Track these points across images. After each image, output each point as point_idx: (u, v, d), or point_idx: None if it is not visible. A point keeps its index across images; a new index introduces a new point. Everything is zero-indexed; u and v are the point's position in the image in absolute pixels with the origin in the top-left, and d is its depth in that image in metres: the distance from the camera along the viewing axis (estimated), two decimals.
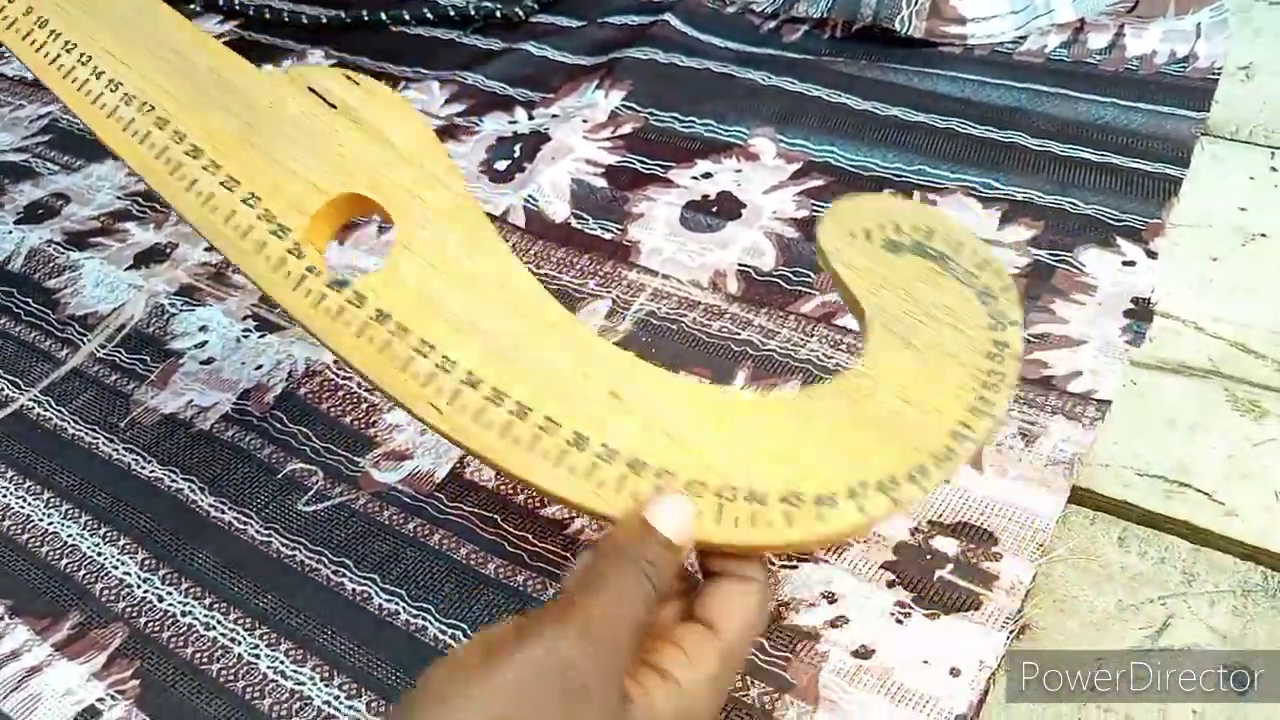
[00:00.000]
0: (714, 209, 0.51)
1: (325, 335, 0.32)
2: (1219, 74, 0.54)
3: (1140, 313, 0.42)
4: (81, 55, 0.37)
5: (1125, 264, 0.45)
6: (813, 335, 0.44)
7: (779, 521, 0.28)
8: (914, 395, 0.29)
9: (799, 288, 0.47)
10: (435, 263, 0.32)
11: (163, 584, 0.39)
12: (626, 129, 0.58)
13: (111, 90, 0.36)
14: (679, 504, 0.28)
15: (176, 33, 0.37)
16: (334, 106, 0.35)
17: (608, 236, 0.51)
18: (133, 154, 0.36)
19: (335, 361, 0.39)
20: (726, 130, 0.56)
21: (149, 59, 0.36)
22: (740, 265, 0.48)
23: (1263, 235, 0.45)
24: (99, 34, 0.37)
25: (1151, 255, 0.45)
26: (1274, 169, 0.49)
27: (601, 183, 0.54)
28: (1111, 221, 0.47)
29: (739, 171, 0.53)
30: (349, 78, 0.36)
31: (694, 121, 0.57)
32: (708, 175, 0.53)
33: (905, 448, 0.28)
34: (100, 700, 0.36)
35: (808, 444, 0.29)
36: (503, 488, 0.41)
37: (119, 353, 0.50)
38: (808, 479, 0.28)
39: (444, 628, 0.36)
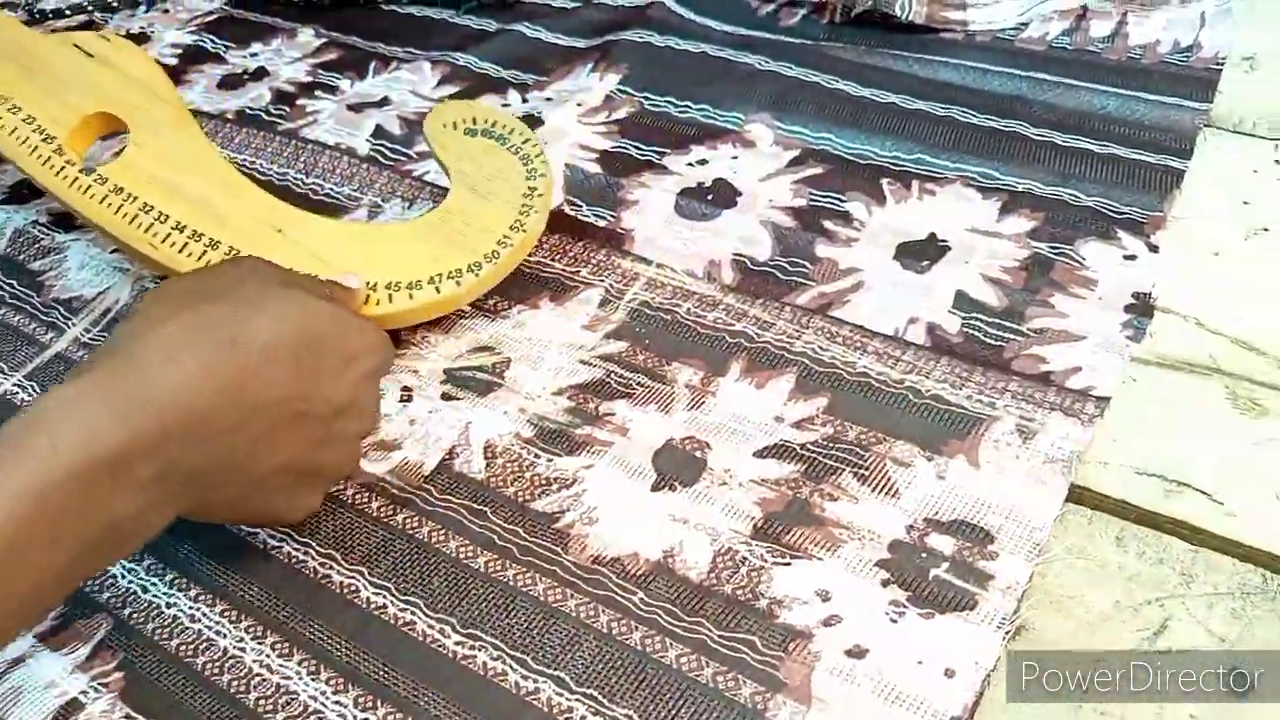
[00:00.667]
0: (709, 196, 0.51)
1: (77, 205, 0.46)
2: (1223, 64, 0.53)
3: (1141, 308, 0.42)
4: None
5: (1126, 258, 0.44)
6: (808, 327, 0.44)
7: (385, 300, 0.43)
8: (474, 222, 0.45)
9: (795, 278, 0.46)
10: (155, 152, 0.47)
11: (147, 574, 0.39)
12: (621, 113, 0.57)
13: None
14: (352, 277, 0.42)
15: None
16: (92, 55, 0.50)
17: (601, 224, 0.50)
18: None
19: None
20: (723, 116, 0.55)
21: None
22: (735, 255, 0.48)
23: (1265, 229, 0.45)
24: None
25: (1153, 249, 0.44)
26: (1278, 162, 0.48)
27: (596, 168, 0.53)
28: (1113, 214, 0.46)
29: (735, 159, 0.53)
30: (103, 36, 0.51)
31: (689, 106, 0.56)
32: (703, 162, 0.53)
33: (467, 252, 0.44)
34: (84, 693, 0.35)
35: (407, 256, 0.44)
36: (493, 479, 0.40)
37: (104, 337, 0.50)
38: (404, 274, 0.43)
39: (432, 621, 0.36)
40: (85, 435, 0.30)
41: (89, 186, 0.46)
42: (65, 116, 0.48)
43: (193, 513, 0.34)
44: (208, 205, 0.45)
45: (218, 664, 0.36)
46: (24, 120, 0.48)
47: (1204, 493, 0.36)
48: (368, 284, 0.43)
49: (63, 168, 0.47)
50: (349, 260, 0.44)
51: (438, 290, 0.44)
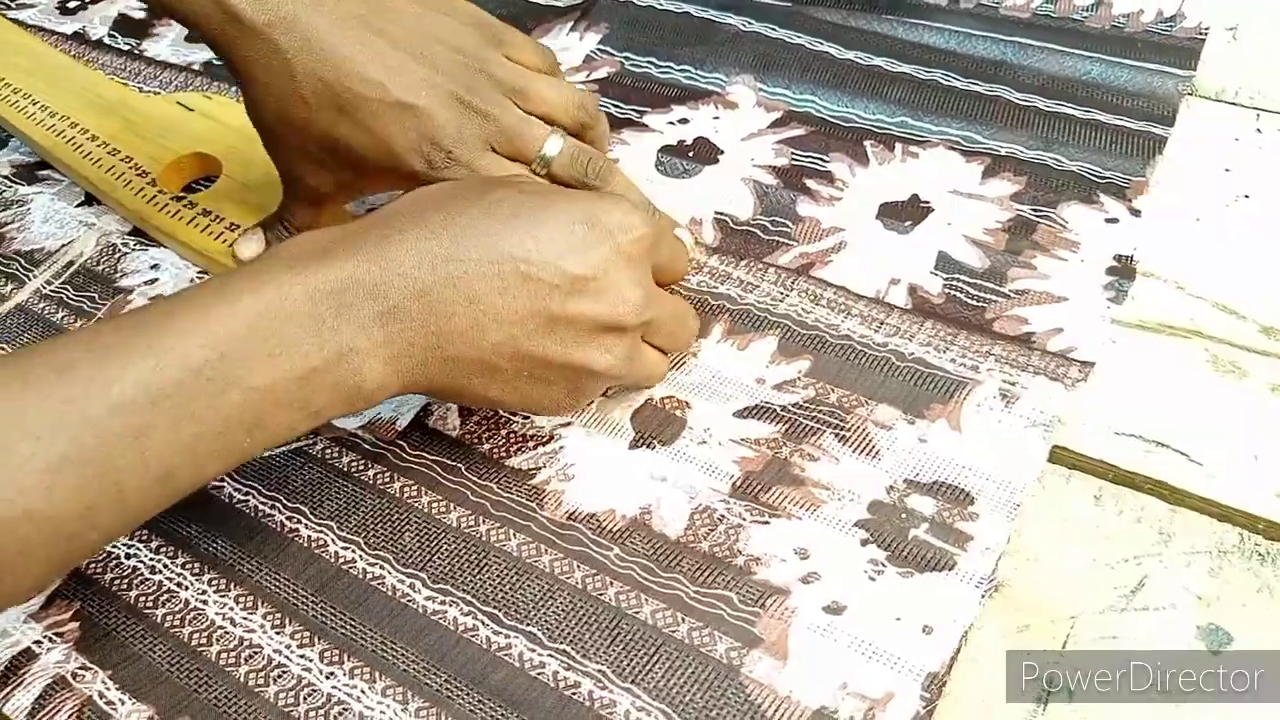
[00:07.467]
0: (690, 154, 0.50)
1: (166, 227, 0.49)
2: (1206, 34, 0.53)
3: (1123, 270, 0.42)
4: (34, 100, 0.57)
5: (1108, 221, 0.44)
6: (792, 290, 0.43)
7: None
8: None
9: (776, 238, 0.45)
10: (245, 182, 0.50)
11: None
12: (602, 73, 0.56)
13: (42, 110, 0.56)
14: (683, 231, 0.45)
15: (92, 79, 0.59)
16: (191, 110, 0.55)
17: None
18: (47, 138, 0.54)
19: None
20: (705, 77, 0.54)
21: (73, 97, 0.57)
22: (718, 214, 0.47)
23: (1246, 196, 0.45)
24: (41, 87, 0.58)
25: (1135, 213, 0.44)
26: (1259, 130, 0.48)
27: None
28: (1095, 178, 0.46)
29: (717, 119, 0.52)
30: (205, 95, 0.57)
31: (671, 67, 0.55)
32: (685, 121, 0.52)
33: None
34: (37, 643, 0.34)
35: None
36: (467, 437, 0.39)
37: (65, 289, 0.48)
38: None
39: (402, 576, 0.35)
40: (320, 259, 0.31)
41: (177, 210, 0.49)
42: (160, 155, 0.52)
43: (436, 377, 0.33)
44: None
45: (178, 616, 0.35)
46: (121, 160, 0.52)
47: (1183, 453, 0.36)
48: None
49: (154, 196, 0.50)
50: None
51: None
